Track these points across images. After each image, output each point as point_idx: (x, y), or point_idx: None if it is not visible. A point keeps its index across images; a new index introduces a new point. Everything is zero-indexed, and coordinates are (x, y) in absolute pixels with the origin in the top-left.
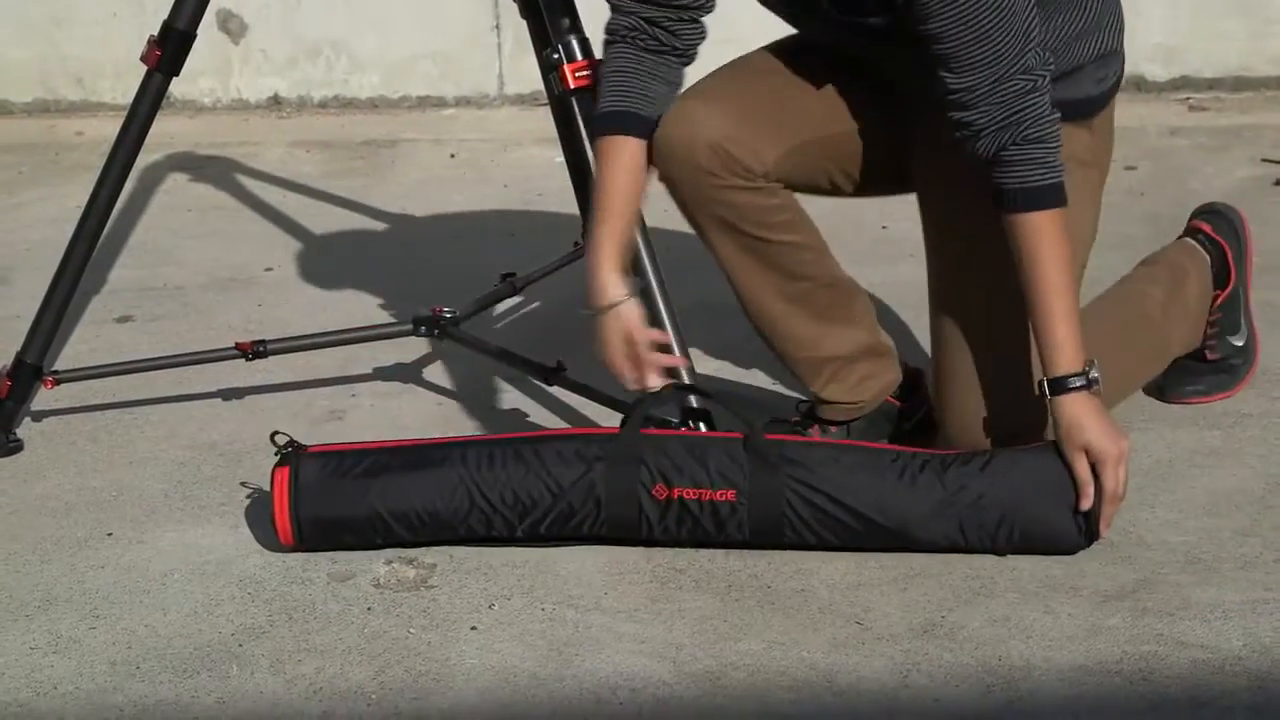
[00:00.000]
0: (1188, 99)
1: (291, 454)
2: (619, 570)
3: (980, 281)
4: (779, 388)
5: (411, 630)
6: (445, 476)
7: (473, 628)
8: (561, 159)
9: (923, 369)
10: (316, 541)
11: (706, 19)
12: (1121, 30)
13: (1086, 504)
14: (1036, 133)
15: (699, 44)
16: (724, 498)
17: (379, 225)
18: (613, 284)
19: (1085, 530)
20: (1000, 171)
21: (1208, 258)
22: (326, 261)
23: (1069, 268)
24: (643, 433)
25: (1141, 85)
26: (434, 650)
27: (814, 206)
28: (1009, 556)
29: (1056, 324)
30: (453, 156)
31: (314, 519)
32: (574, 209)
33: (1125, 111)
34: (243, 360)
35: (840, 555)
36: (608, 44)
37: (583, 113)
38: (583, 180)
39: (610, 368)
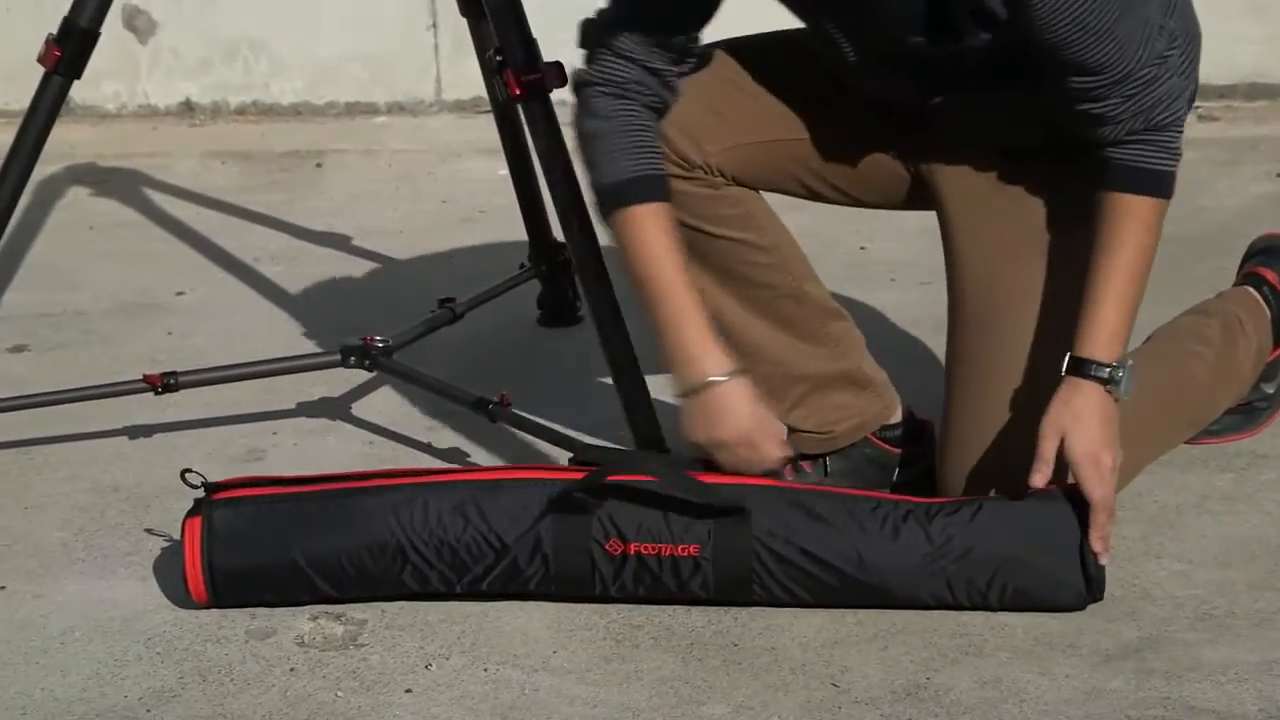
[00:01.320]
0: (1197, 108)
1: (204, 501)
2: (569, 626)
3: (1008, 309)
4: None
5: (339, 693)
6: (375, 530)
7: (407, 690)
8: (505, 171)
9: (932, 421)
10: (232, 598)
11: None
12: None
13: (1038, 481)
14: (1164, 117)
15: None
16: (686, 553)
17: (303, 245)
18: (713, 354)
19: (1089, 586)
20: (1115, 149)
21: (1269, 314)
22: (245, 285)
23: (1147, 261)
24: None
25: None
26: (364, 716)
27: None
28: (1000, 612)
29: (1108, 306)
30: (388, 168)
31: (229, 573)
32: (519, 227)
33: None
34: (151, 394)
35: (814, 610)
36: (602, 95)
37: (529, 123)
38: (529, 196)
39: (739, 452)
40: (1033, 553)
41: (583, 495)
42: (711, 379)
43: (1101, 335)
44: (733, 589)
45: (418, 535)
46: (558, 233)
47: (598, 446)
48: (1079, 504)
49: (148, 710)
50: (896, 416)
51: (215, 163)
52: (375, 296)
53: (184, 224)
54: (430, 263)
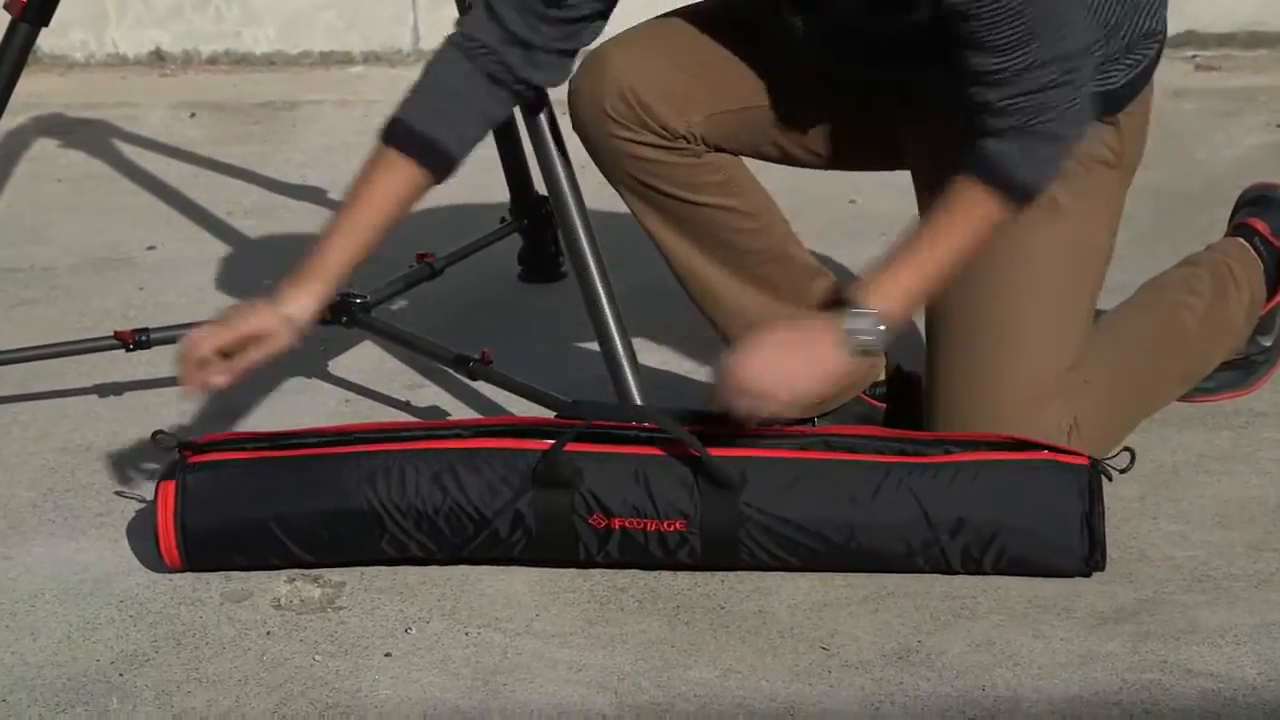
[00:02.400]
0: (1194, 57)
1: (178, 464)
2: (553, 589)
3: (985, 263)
4: None
5: (317, 657)
6: (351, 499)
7: (387, 654)
8: None
9: (919, 373)
10: (206, 562)
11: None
12: (1164, 4)
13: (719, 403)
14: (1050, 127)
15: (553, 85)
16: (671, 528)
17: (277, 198)
18: (303, 297)
19: (1091, 553)
20: (991, 140)
21: (1261, 264)
22: (217, 239)
23: (965, 253)
24: (574, 449)
25: None
26: (342, 680)
27: (767, 178)
28: (994, 575)
29: (905, 267)
30: (363, 118)
31: (203, 537)
32: (500, 180)
33: None
34: (122, 351)
35: (804, 573)
36: (450, 46)
37: None
38: (510, 147)
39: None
40: (1031, 519)
41: (561, 465)
42: (275, 296)
43: (881, 289)
44: (720, 558)
45: (395, 505)
46: (540, 185)
47: (586, 402)
48: (1083, 471)
49: (120, 674)
50: (884, 373)
51: (186, 114)
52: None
53: (154, 177)
54: (409, 217)
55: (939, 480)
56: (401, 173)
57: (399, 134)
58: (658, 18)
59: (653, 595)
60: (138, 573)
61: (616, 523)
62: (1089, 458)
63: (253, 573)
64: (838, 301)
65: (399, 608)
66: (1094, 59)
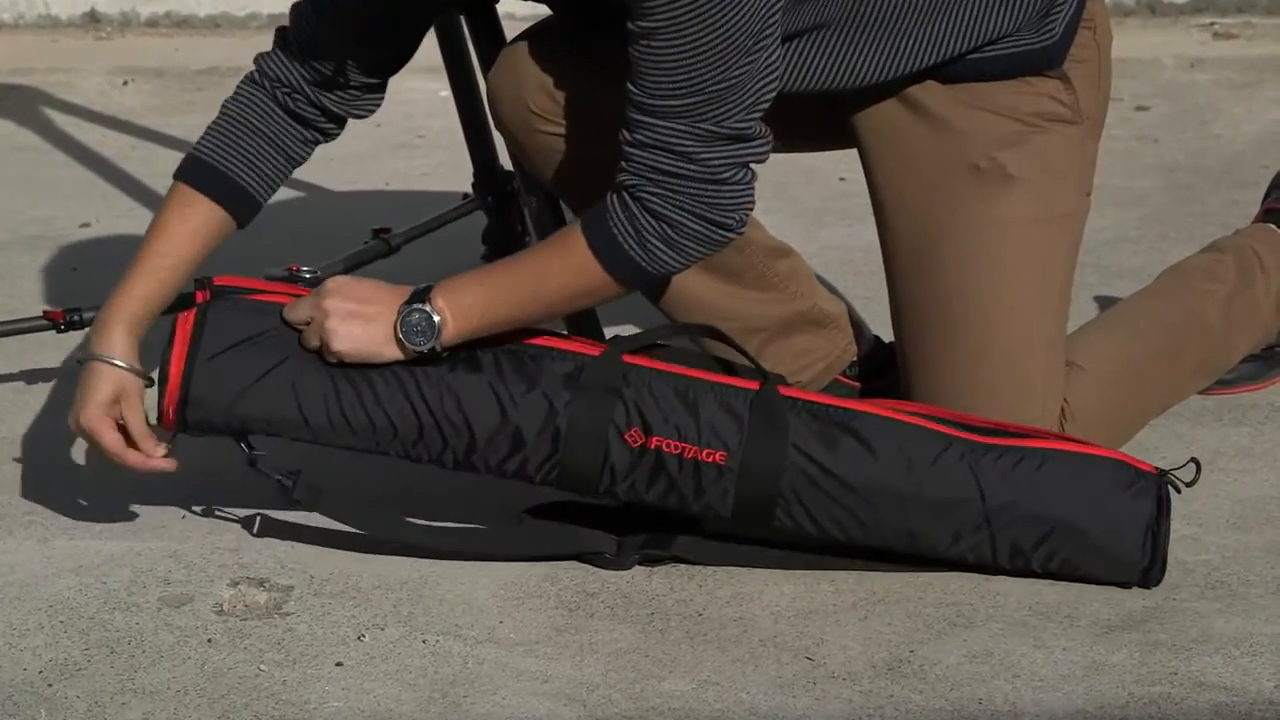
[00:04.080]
0: (1212, 24)
1: (204, 295)
2: (517, 594)
3: (948, 258)
4: None
5: (263, 667)
6: (385, 397)
7: (338, 664)
8: (447, 92)
9: None
10: (205, 411)
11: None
12: None
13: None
14: (657, 204)
15: (352, 117)
16: (711, 459)
17: None
18: (115, 336)
19: (1151, 565)
20: (614, 195)
21: None
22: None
23: (542, 294)
24: (629, 360)
25: (1156, 8)
26: (290, 691)
27: None
28: (992, 580)
29: (479, 286)
30: None
31: (212, 381)
32: (463, 152)
33: (1136, 40)
34: (54, 333)
35: (788, 577)
36: (248, 83)
37: (474, 36)
38: (474, 120)
39: (74, 426)
40: (1092, 520)
41: (610, 368)
42: (93, 353)
43: (453, 295)
44: (754, 510)
45: (425, 384)
46: (505, 160)
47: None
48: (1154, 480)
49: (49, 685)
50: (856, 352)
51: (123, 80)
52: (303, 228)
53: (89, 148)
54: (364, 191)
55: (1002, 463)
56: (200, 213)
57: (196, 172)
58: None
59: (625, 601)
60: (68, 575)
61: (654, 442)
62: (1156, 468)
63: (192, 575)
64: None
65: (351, 613)
66: (755, 148)
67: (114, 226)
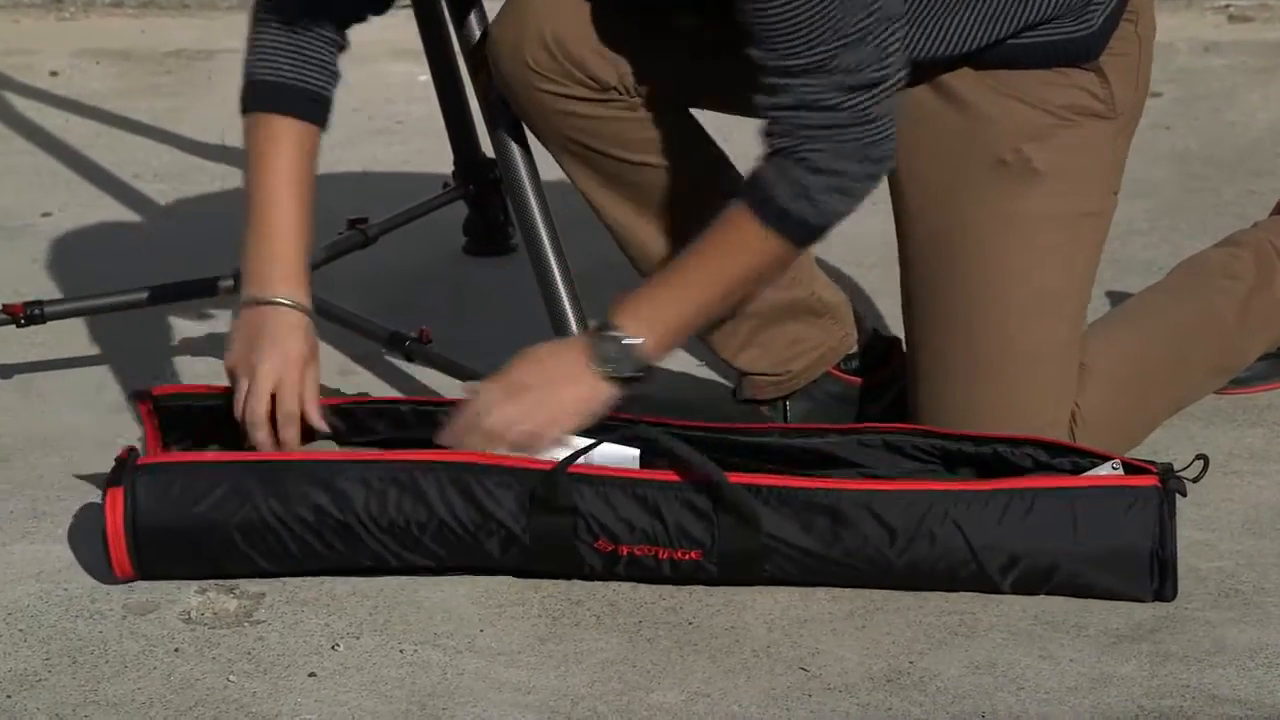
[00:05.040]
0: (1227, 6)
1: (126, 466)
2: (498, 602)
3: (967, 253)
4: (705, 371)
5: (232, 677)
6: (328, 516)
7: (311, 674)
8: (427, 76)
9: (900, 338)
10: (159, 568)
11: None
12: None
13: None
14: (817, 158)
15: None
16: (686, 557)
17: (191, 160)
18: (279, 276)
19: (1161, 584)
20: (767, 163)
21: None
22: (122, 206)
23: (726, 286)
24: (574, 470)
25: None
26: (260, 703)
27: (734, 150)
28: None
29: (663, 294)
30: None
31: (156, 542)
32: (443, 140)
33: None
34: (13, 327)
35: (782, 584)
36: (255, 24)
37: (455, 19)
38: (454, 105)
39: (255, 377)
40: (1093, 558)
41: (560, 488)
42: (265, 296)
43: (639, 311)
44: (742, 580)
45: (375, 522)
46: (487, 148)
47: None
48: (1153, 496)
49: (8, 696)
50: (857, 344)
51: (88, 63)
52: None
53: (51, 134)
54: (340, 180)
55: (989, 512)
56: (293, 133)
57: (267, 97)
58: None
59: (612, 609)
60: (29, 581)
61: (625, 549)
62: (1159, 475)
63: (159, 581)
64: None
65: (325, 622)
66: (892, 84)
67: (77, 216)
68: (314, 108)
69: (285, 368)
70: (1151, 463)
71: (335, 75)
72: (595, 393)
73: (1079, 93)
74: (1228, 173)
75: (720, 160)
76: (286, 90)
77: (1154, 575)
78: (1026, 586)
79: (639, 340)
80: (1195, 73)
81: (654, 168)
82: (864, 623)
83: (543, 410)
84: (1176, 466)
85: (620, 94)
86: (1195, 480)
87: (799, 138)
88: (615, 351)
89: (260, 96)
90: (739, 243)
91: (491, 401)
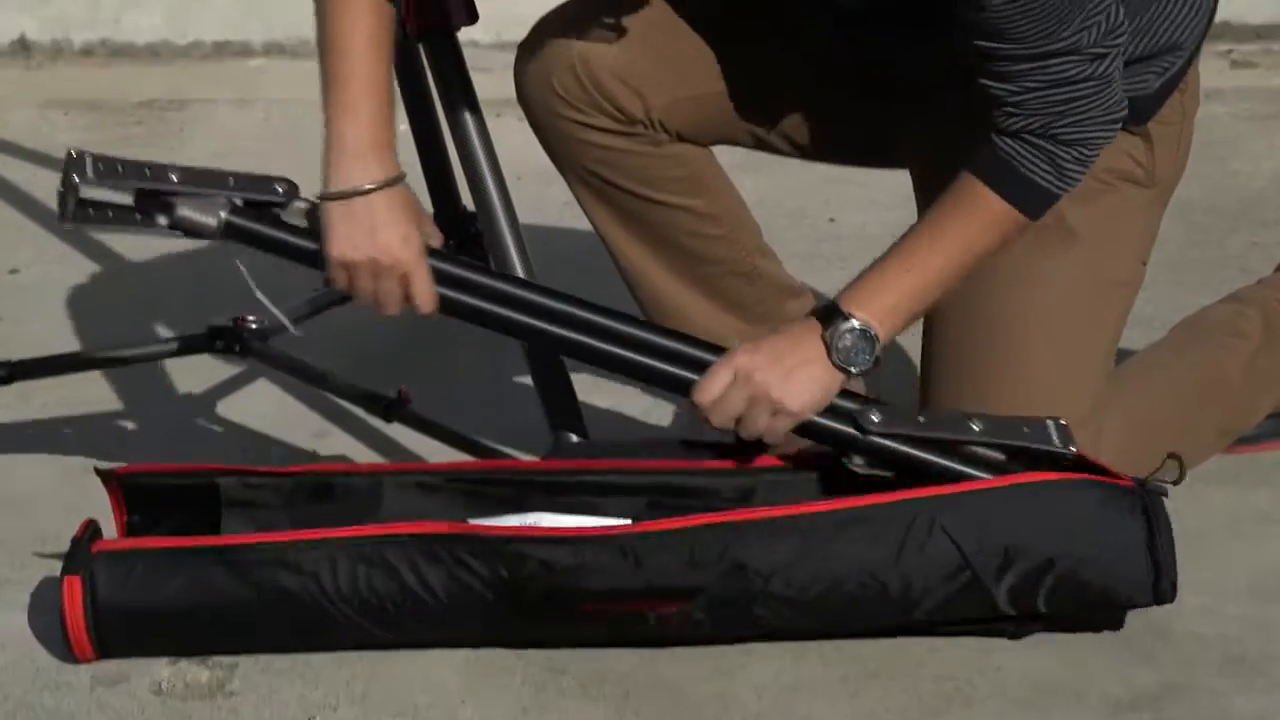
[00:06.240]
0: (1229, 52)
1: (80, 553)
2: (481, 671)
3: (989, 311)
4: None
5: None
6: (297, 599)
7: None
8: (405, 126)
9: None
10: (122, 648)
11: None
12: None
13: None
14: (1073, 131)
15: None
16: (670, 610)
17: None
18: (376, 156)
19: (1159, 583)
20: (1005, 137)
21: None
22: (91, 262)
23: (963, 264)
24: (529, 533)
25: None
26: None
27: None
28: (993, 652)
29: (894, 279)
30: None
31: (118, 626)
32: (422, 193)
33: None
34: None
35: (772, 649)
36: None
37: (433, 67)
38: (434, 156)
39: (379, 283)
40: (1090, 545)
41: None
42: (363, 185)
43: (870, 300)
44: (732, 629)
45: (348, 601)
46: (468, 200)
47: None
48: (1140, 494)
49: None
50: None
51: (56, 113)
52: (250, 274)
53: (18, 187)
54: None
55: (972, 507)
56: (375, 10)
57: None
58: None
59: (598, 679)
60: None
61: (609, 606)
62: (1133, 479)
63: None
64: (816, 316)
65: (300, 692)
66: (1117, 45)
67: (44, 273)
68: None
69: (415, 249)
70: (1120, 474)
71: None
72: (835, 381)
73: (1123, 156)
74: (1231, 223)
75: (740, 206)
76: None
77: (1149, 567)
78: (1022, 594)
79: (876, 331)
80: (1197, 120)
81: (673, 208)
82: (857, 689)
83: (803, 396)
84: (1179, 527)
85: (645, 128)
86: (1175, 482)
87: (1050, 115)
88: (855, 344)
89: None
90: (983, 223)
91: (754, 364)
